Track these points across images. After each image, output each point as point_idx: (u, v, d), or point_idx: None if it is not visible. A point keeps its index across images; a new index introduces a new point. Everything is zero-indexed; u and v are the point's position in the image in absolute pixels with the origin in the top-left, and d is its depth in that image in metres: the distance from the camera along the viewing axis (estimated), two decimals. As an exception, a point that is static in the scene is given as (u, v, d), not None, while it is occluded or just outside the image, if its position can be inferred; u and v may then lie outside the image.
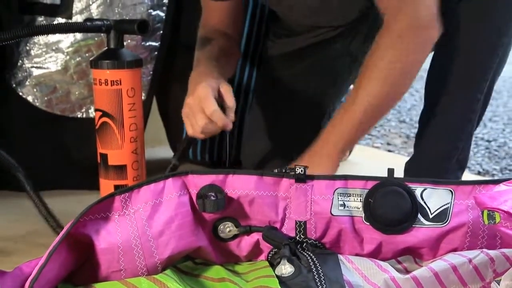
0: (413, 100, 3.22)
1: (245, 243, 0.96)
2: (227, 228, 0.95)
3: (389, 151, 2.24)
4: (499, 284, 0.82)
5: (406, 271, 0.94)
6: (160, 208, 0.90)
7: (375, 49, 1.05)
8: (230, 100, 1.06)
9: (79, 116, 1.42)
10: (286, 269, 0.88)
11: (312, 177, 0.97)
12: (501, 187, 0.85)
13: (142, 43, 1.41)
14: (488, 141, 2.41)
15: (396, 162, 1.19)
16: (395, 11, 1.03)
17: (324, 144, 1.06)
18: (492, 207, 0.80)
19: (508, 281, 0.80)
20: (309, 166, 0.94)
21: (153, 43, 1.43)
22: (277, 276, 0.87)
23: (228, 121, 1.03)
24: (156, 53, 1.44)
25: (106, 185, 1.16)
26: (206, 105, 1.03)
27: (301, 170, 0.94)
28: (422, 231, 0.94)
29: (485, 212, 0.80)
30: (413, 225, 0.94)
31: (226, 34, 1.25)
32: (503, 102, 3.21)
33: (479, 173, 2.01)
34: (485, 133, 2.53)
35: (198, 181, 0.93)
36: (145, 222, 0.88)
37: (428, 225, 0.94)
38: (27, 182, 1.05)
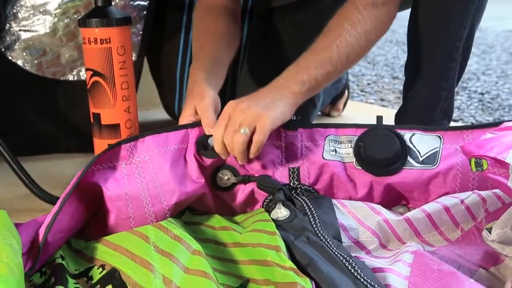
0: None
1: (242, 193, 0.97)
2: (226, 176, 0.97)
3: (383, 106, 2.24)
4: (490, 233, 0.83)
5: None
6: (165, 156, 0.92)
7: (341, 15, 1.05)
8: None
9: (70, 79, 1.41)
10: (281, 212, 0.90)
11: (303, 125, 0.98)
12: (487, 135, 0.85)
13: (131, 2, 1.40)
14: (482, 93, 2.42)
15: (390, 117, 1.20)
16: None
17: (288, 82, 0.98)
18: (479, 154, 0.80)
19: (499, 230, 0.82)
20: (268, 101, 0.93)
21: (142, 2, 1.41)
22: (273, 220, 0.88)
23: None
24: (145, 12, 1.43)
25: (100, 145, 1.16)
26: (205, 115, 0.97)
27: (293, 117, 0.95)
28: (412, 173, 0.95)
29: (473, 160, 0.81)
30: (403, 167, 0.95)
31: (227, 7, 1.24)
32: (496, 56, 3.21)
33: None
34: (478, 86, 2.53)
35: (200, 132, 0.96)
36: (151, 170, 0.90)
37: (418, 167, 0.95)
38: (5, 148, 1.04)
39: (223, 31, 1.18)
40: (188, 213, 0.97)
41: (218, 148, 0.94)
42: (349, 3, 1.07)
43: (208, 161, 0.95)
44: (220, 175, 0.97)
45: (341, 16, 1.05)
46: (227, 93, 1.45)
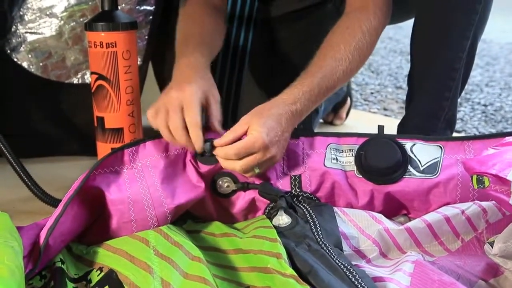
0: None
1: (242, 200, 0.98)
2: (226, 184, 0.97)
3: (386, 115, 2.24)
4: (492, 246, 0.83)
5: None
6: (166, 161, 0.93)
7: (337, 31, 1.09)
8: (217, 112, 0.98)
9: (75, 82, 1.42)
10: (283, 219, 0.90)
11: (305, 134, 0.99)
12: (490, 151, 0.85)
13: (137, 7, 1.40)
14: (485, 105, 2.42)
15: (393, 126, 1.21)
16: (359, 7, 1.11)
17: (303, 110, 1.00)
18: (481, 171, 0.80)
19: (501, 244, 0.81)
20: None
21: (148, 7, 1.42)
22: (275, 227, 0.89)
23: (190, 145, 0.93)
24: (151, 17, 1.43)
25: (103, 148, 1.16)
26: (189, 113, 0.93)
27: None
28: (412, 182, 0.95)
29: (474, 177, 0.81)
30: (404, 176, 0.95)
31: (214, 5, 1.24)
32: (500, 68, 3.21)
33: (475, 136, 2.02)
34: (482, 98, 2.53)
35: None
36: (152, 174, 0.91)
37: (419, 176, 0.95)
38: (8, 150, 1.04)
39: (209, 26, 1.18)
40: (190, 222, 0.97)
41: (221, 155, 0.93)
42: (354, 24, 1.09)
43: (204, 167, 0.96)
44: (219, 182, 0.97)
45: (348, 37, 1.07)
46: (231, 100, 1.45)
